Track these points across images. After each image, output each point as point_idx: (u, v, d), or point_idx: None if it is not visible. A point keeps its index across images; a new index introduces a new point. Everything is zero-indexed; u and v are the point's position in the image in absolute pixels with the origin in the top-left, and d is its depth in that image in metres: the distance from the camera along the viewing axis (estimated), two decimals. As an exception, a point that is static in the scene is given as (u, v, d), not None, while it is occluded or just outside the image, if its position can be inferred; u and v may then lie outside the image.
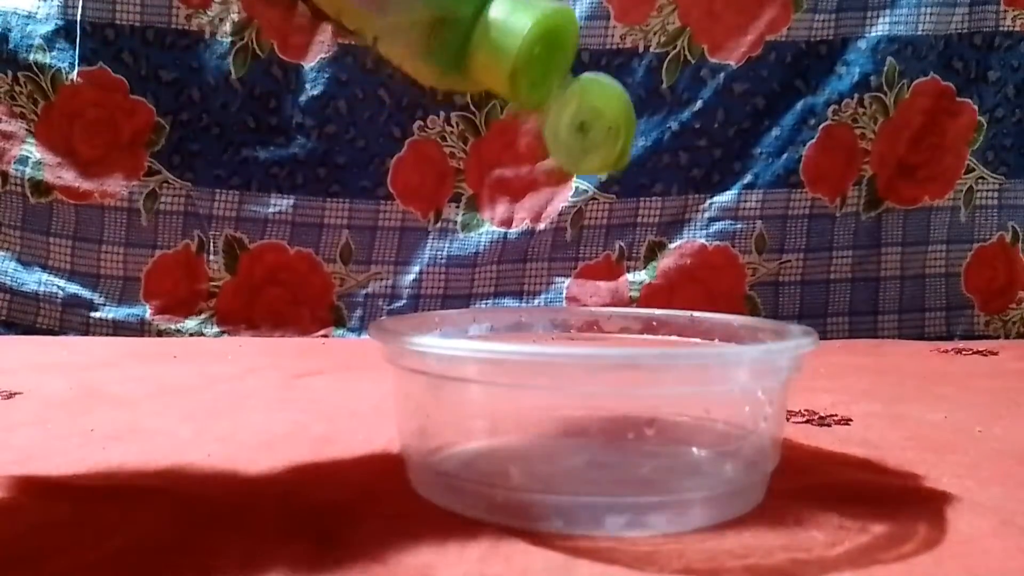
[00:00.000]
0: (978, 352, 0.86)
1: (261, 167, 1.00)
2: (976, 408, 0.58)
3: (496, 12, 0.37)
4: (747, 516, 0.36)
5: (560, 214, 1.01)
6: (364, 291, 1.02)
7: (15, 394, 0.59)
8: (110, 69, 0.97)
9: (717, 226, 1.02)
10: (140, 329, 0.98)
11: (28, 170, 0.97)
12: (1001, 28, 1.01)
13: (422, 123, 1.01)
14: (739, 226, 1.01)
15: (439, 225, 1.02)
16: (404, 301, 1.02)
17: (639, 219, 1.02)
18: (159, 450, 0.45)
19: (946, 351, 0.88)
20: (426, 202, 1.02)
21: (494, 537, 0.33)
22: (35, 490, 0.38)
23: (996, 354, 0.85)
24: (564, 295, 1.02)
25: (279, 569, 0.30)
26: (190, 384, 0.67)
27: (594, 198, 1.01)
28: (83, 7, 0.96)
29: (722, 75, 1.00)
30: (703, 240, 1.02)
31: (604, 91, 0.41)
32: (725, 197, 1.02)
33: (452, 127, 1.02)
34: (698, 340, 0.47)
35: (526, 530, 0.34)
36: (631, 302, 1.01)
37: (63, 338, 0.96)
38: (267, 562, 0.31)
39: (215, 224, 1.00)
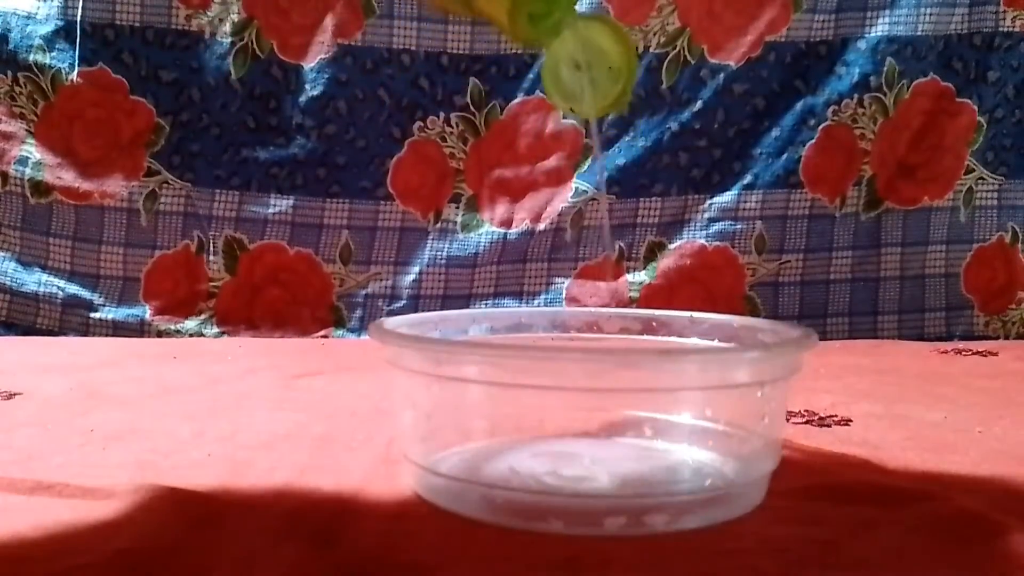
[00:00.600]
0: (978, 352, 0.86)
1: (261, 167, 1.00)
2: (976, 408, 0.58)
3: None
4: (747, 516, 0.36)
5: (560, 214, 1.01)
6: (364, 291, 1.02)
7: (15, 395, 0.59)
8: (110, 69, 0.97)
9: (717, 226, 1.02)
10: (140, 330, 0.98)
11: (28, 170, 0.97)
12: (1001, 28, 1.01)
13: (422, 123, 1.01)
14: (739, 226, 1.01)
15: (439, 225, 1.02)
16: (404, 301, 1.02)
17: (639, 219, 1.02)
18: (159, 450, 0.45)
19: (946, 351, 0.88)
20: (426, 202, 1.02)
21: (494, 537, 0.33)
22: (36, 490, 0.38)
23: (996, 354, 0.85)
24: (564, 295, 1.02)
25: (279, 569, 0.30)
26: (190, 384, 0.67)
27: (594, 199, 1.01)
28: (83, 7, 0.96)
29: (722, 75, 1.00)
30: (703, 240, 1.02)
31: (608, 32, 0.40)
32: (725, 197, 1.02)
33: (452, 127, 1.02)
34: (698, 340, 0.47)
35: (526, 530, 0.34)
36: (631, 302, 1.01)
37: (63, 339, 0.96)
38: (266, 562, 0.31)
39: (215, 224, 1.00)
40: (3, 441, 0.47)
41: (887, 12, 1.00)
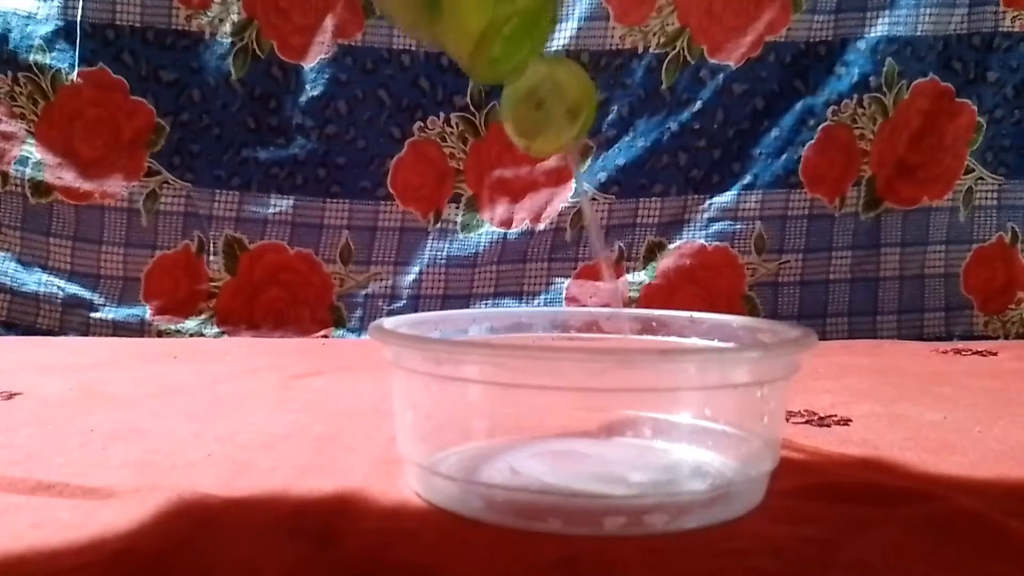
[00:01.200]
0: (977, 352, 0.86)
1: (261, 167, 1.00)
2: (976, 408, 0.58)
3: None
4: (747, 516, 0.36)
5: (560, 214, 1.01)
6: (364, 291, 1.02)
7: (15, 395, 0.59)
8: (110, 70, 0.97)
9: (716, 226, 1.02)
10: (140, 329, 0.98)
11: (28, 170, 0.97)
12: (1000, 29, 1.01)
13: (422, 124, 1.01)
14: (738, 227, 1.01)
15: (439, 225, 1.02)
16: (404, 301, 1.02)
17: (638, 219, 1.02)
18: (159, 450, 0.45)
19: (945, 351, 0.88)
20: (426, 202, 1.02)
21: (494, 537, 0.33)
22: (36, 490, 0.38)
23: (995, 354, 0.85)
24: (564, 295, 1.02)
25: (279, 569, 0.30)
26: (190, 384, 0.67)
27: (593, 199, 1.01)
28: (83, 8, 0.96)
29: (721, 76, 1.01)
30: (702, 240, 1.02)
31: (569, 72, 0.41)
32: (724, 198, 1.02)
33: (452, 128, 1.02)
34: (697, 340, 0.47)
35: (526, 530, 0.34)
36: (631, 302, 1.01)
37: (63, 339, 0.96)
38: (267, 562, 0.31)
39: (215, 224, 1.00)
40: (3, 441, 0.47)
41: (887, 12, 1.00)
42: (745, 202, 1.01)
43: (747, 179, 1.02)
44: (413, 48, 1.00)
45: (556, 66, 0.41)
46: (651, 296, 1.01)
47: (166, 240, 1.00)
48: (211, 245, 1.00)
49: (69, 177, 0.98)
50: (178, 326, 0.99)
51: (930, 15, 1.00)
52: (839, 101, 1.01)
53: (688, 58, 1.01)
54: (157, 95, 0.98)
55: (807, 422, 0.53)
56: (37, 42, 0.96)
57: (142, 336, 0.97)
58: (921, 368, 0.78)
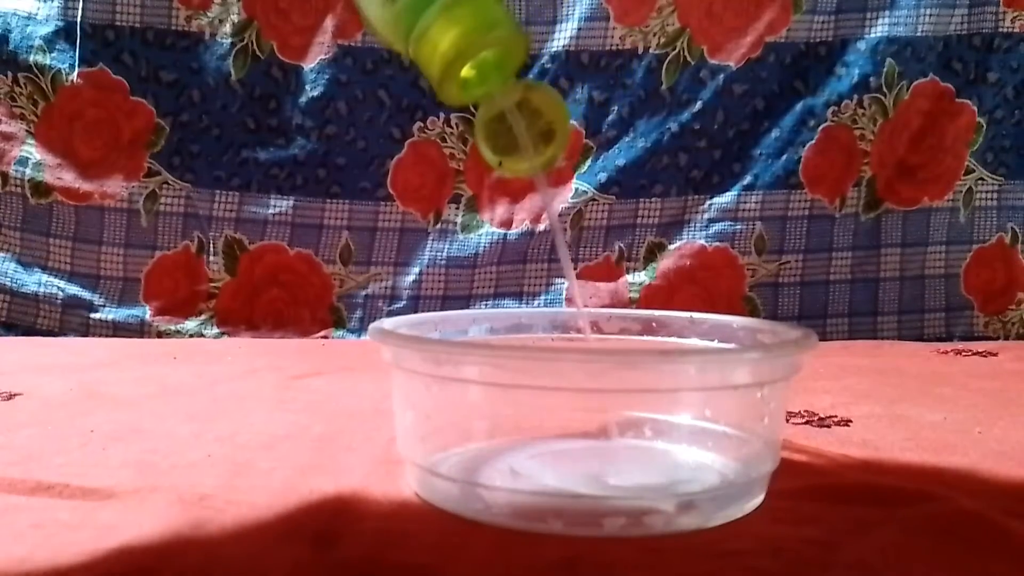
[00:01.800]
0: (977, 353, 0.86)
1: (261, 168, 1.00)
2: (976, 409, 0.58)
3: (441, 18, 0.36)
4: (747, 516, 0.36)
5: (559, 215, 1.01)
6: (364, 292, 1.02)
7: (15, 395, 0.59)
8: (110, 70, 0.97)
9: (717, 227, 1.02)
10: (140, 330, 0.98)
11: (28, 171, 0.97)
12: (1000, 29, 1.01)
13: (422, 124, 1.01)
14: (739, 227, 1.01)
15: (439, 226, 1.02)
16: (404, 302, 1.02)
17: (639, 220, 1.02)
18: (159, 450, 0.45)
19: (946, 352, 0.88)
20: (426, 203, 1.02)
21: (494, 538, 0.33)
22: (36, 490, 0.38)
23: (996, 355, 0.85)
24: (564, 296, 1.02)
25: (279, 569, 0.30)
26: (190, 385, 0.67)
27: (594, 199, 1.01)
28: (83, 8, 0.96)
29: (721, 76, 1.01)
30: (703, 241, 1.02)
31: (545, 96, 0.41)
32: (725, 198, 1.02)
33: (452, 128, 1.02)
34: (697, 341, 0.47)
35: (526, 530, 0.34)
36: (631, 303, 1.01)
37: (63, 339, 0.96)
38: (267, 562, 0.31)
39: (215, 225, 1.00)
40: (3, 441, 0.47)
41: (887, 13, 1.00)
42: (745, 203, 1.01)
43: (747, 180, 1.02)
44: (413, 49, 1.00)
45: (531, 90, 0.41)
46: (651, 297, 1.01)
47: (166, 241, 1.00)
48: (211, 246, 1.00)
49: (69, 178, 0.98)
50: (178, 327, 0.99)
51: (930, 15, 1.00)
52: (839, 102, 1.01)
53: (688, 58, 1.01)
54: (157, 95, 0.98)
55: (807, 423, 0.53)
56: (37, 42, 0.96)
57: (142, 337, 0.97)
58: (921, 369, 0.78)
